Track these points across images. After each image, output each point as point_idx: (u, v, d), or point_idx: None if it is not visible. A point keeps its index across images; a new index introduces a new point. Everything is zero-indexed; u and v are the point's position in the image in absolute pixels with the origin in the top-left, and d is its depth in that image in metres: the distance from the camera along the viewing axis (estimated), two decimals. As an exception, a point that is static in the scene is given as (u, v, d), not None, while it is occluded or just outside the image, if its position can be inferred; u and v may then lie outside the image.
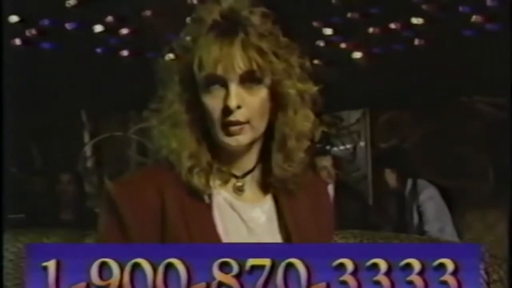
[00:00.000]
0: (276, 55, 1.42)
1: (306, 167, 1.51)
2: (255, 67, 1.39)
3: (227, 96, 1.39)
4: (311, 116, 1.48)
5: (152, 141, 1.49)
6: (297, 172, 1.48)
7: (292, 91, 1.44)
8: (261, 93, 1.42)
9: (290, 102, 1.45)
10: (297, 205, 1.51)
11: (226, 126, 1.40)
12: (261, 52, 1.40)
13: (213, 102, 1.41)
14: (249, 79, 1.40)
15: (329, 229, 1.59)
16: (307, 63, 1.48)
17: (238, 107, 1.39)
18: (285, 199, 1.50)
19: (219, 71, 1.39)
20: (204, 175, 1.43)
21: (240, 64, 1.39)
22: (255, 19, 1.42)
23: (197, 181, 1.42)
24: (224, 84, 1.40)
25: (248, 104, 1.40)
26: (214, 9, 1.43)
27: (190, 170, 1.42)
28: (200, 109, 1.43)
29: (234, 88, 1.39)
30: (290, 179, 1.48)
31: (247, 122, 1.41)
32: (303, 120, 1.46)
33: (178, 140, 1.43)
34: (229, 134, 1.41)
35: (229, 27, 1.41)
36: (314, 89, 1.47)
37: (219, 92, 1.40)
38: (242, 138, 1.41)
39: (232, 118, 1.39)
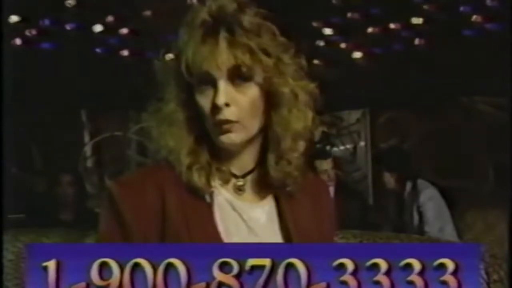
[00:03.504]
0: (266, 52, 1.41)
1: (305, 168, 1.50)
2: (240, 63, 1.39)
3: (215, 94, 1.40)
4: (309, 115, 1.46)
5: (151, 141, 1.49)
6: (295, 173, 1.47)
7: (285, 90, 1.43)
8: (252, 92, 1.42)
9: (284, 100, 1.44)
10: (298, 206, 1.50)
11: (217, 124, 1.40)
12: (248, 50, 1.39)
13: (204, 101, 1.41)
14: (237, 77, 1.40)
15: (330, 230, 1.59)
16: (303, 62, 1.47)
17: (227, 104, 1.39)
18: (285, 200, 1.50)
19: (205, 68, 1.39)
20: (204, 174, 1.43)
21: (224, 60, 1.39)
22: (244, 18, 1.42)
23: (197, 179, 1.42)
24: (213, 83, 1.40)
25: (238, 102, 1.40)
26: (203, 10, 1.44)
27: (189, 167, 1.42)
28: (196, 108, 1.44)
29: (222, 85, 1.39)
30: (288, 180, 1.47)
31: (238, 120, 1.40)
32: (297, 119, 1.44)
33: (175, 139, 1.44)
34: (221, 132, 1.41)
35: (214, 26, 1.41)
36: (310, 86, 1.47)
37: (208, 90, 1.41)
38: (234, 136, 1.41)
39: (221, 116, 1.40)
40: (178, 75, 1.44)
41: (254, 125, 1.43)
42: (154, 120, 1.47)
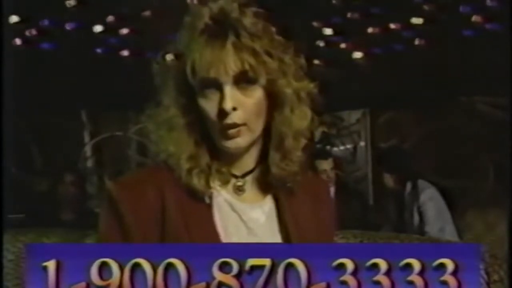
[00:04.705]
0: (269, 54, 1.41)
1: (304, 166, 1.50)
2: (247, 67, 1.39)
3: (222, 98, 1.39)
4: (309, 114, 1.47)
5: (151, 144, 1.49)
6: (296, 171, 1.48)
7: (287, 90, 1.44)
8: (257, 94, 1.42)
9: (286, 101, 1.44)
10: (298, 205, 1.51)
11: (224, 129, 1.40)
12: (253, 52, 1.39)
13: (209, 105, 1.41)
14: (243, 80, 1.40)
15: (330, 229, 1.59)
16: (303, 61, 1.48)
17: (234, 109, 1.39)
18: (285, 200, 1.50)
19: (212, 74, 1.39)
20: (204, 176, 1.43)
21: (232, 66, 1.38)
22: (246, 20, 1.41)
23: (197, 182, 1.42)
24: (219, 87, 1.39)
25: (243, 105, 1.40)
26: (205, 13, 1.43)
27: (189, 171, 1.42)
28: (197, 111, 1.43)
29: (228, 90, 1.39)
30: (288, 177, 1.48)
31: (244, 124, 1.40)
32: (300, 119, 1.45)
33: (175, 143, 1.43)
34: (227, 137, 1.41)
35: (219, 30, 1.40)
36: (310, 86, 1.47)
37: (214, 95, 1.40)
38: (241, 141, 1.41)
39: (228, 120, 1.39)
40: (178, 78, 1.44)
41: (258, 127, 1.43)
42: (152, 124, 1.47)
